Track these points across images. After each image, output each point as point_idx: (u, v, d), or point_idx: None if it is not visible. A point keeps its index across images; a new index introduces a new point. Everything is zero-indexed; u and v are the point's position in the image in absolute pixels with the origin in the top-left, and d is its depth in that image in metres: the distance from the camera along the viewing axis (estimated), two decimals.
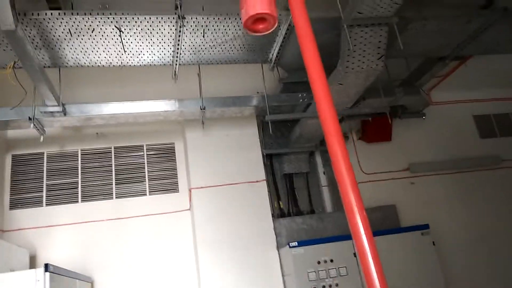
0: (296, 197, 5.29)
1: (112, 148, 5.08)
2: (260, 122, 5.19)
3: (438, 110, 5.94)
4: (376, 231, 4.62)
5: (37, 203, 4.71)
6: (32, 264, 4.28)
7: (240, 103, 4.22)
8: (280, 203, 5.16)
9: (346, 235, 4.60)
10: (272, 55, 3.81)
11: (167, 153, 5.24)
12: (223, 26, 3.38)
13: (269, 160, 5.26)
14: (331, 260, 4.29)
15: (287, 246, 4.30)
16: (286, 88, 4.35)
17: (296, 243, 4.31)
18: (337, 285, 4.20)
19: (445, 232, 5.19)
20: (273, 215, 4.83)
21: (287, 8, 3.26)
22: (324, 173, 5.48)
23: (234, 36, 3.49)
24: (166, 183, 5.11)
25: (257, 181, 4.92)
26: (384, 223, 5.04)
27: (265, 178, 4.97)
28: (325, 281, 4.21)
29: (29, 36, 3.07)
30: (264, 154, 5.08)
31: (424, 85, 5.03)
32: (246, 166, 4.96)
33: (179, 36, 3.33)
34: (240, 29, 3.42)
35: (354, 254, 4.35)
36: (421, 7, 3.62)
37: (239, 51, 3.72)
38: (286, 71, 4.22)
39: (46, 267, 2.98)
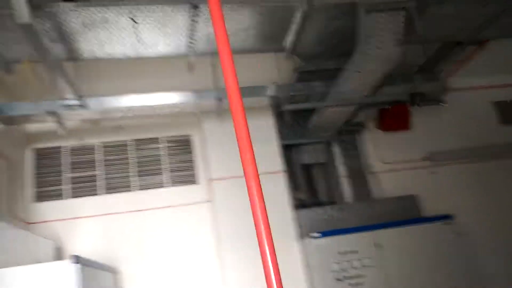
0: (315, 188, 5.26)
1: (131, 141, 5.14)
2: (276, 113, 5.16)
3: (457, 97, 5.77)
4: (396, 222, 4.58)
5: (61, 195, 4.81)
6: (58, 255, 4.38)
7: (256, 93, 4.18)
8: (300, 193, 5.14)
9: (368, 226, 4.56)
10: (287, 43, 3.75)
11: (184, 145, 5.27)
12: (238, 15, 3.35)
13: (287, 151, 5.23)
14: (354, 251, 4.25)
15: (309, 237, 4.27)
16: (302, 77, 4.29)
17: (318, 233, 4.28)
18: (360, 276, 4.15)
19: (467, 222, 5.06)
20: (293, 206, 4.81)
21: None
22: (342, 163, 5.42)
23: (248, 25, 3.45)
24: (184, 175, 5.14)
25: (275, 172, 4.90)
26: (404, 213, 4.96)
27: (283, 169, 4.94)
28: (348, 272, 4.17)
29: (44, 30, 3.10)
30: (281, 144, 5.05)
31: (442, 71, 4.89)
32: (264, 157, 4.93)
33: (193, 26, 3.31)
34: (254, 18, 3.38)
35: (377, 244, 4.31)
36: None
37: (254, 40, 3.69)
38: (302, 60, 4.16)
39: (74, 258, 3.01)
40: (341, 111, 4.34)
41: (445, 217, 4.57)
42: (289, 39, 3.71)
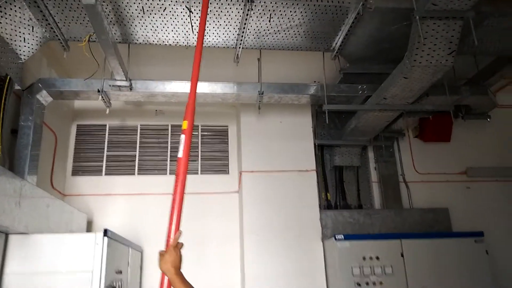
0: (344, 190, 5.24)
1: (169, 125, 5.27)
2: (315, 112, 5.17)
3: (503, 114, 5.61)
4: (425, 233, 4.52)
5: (97, 171, 5.01)
6: (89, 228, 4.56)
7: (298, 90, 4.20)
8: (328, 194, 5.14)
9: (394, 234, 4.52)
10: (336, 44, 3.74)
11: (220, 135, 5.36)
12: (290, 11, 3.36)
13: (320, 151, 5.24)
14: (377, 257, 4.21)
15: (333, 238, 4.28)
16: (345, 79, 4.27)
17: (342, 236, 4.28)
18: (381, 283, 4.13)
19: (497, 241, 4.94)
20: (320, 206, 4.82)
21: None
22: (375, 168, 5.38)
23: (299, 22, 3.46)
24: (217, 164, 5.24)
25: (307, 170, 4.91)
26: (435, 225, 4.89)
27: (315, 168, 4.95)
28: (369, 278, 4.14)
29: (105, 12, 3.22)
30: (316, 144, 5.05)
31: (492, 86, 4.75)
32: (297, 154, 4.96)
33: (246, 19, 3.35)
34: (306, 15, 3.39)
35: (401, 254, 4.26)
36: (500, 2, 3.42)
37: (303, 38, 3.69)
38: (348, 61, 4.14)
39: (105, 232, 3.18)
40: (382, 116, 4.29)
41: (476, 234, 4.47)
42: (338, 40, 3.70)
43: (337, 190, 5.23)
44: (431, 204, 5.16)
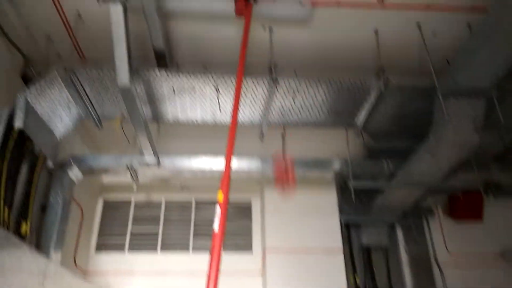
0: (373, 272, 4.96)
1: (193, 200, 5.27)
2: (339, 187, 5.09)
3: None
4: None
5: (120, 248, 4.95)
6: None
7: (322, 166, 4.20)
8: (356, 276, 4.86)
9: None
10: (359, 120, 3.80)
11: (243, 211, 5.30)
12: (313, 91, 3.49)
13: (347, 228, 5.07)
14: None
15: None
16: (370, 154, 4.26)
17: None
18: None
19: None
20: None
21: (379, 75, 3.32)
22: (405, 249, 5.11)
23: (323, 100, 3.57)
24: (241, 241, 5.10)
25: (333, 250, 4.72)
26: None
27: (341, 247, 4.76)
28: None
29: (138, 92, 3.41)
30: (342, 221, 4.91)
31: None
32: (323, 232, 4.82)
33: (271, 98, 3.48)
34: (329, 94, 3.50)
35: None
36: None
37: (326, 115, 3.78)
38: (372, 138, 4.16)
39: None
40: (409, 194, 4.19)
41: None
42: (361, 116, 3.76)
43: (366, 272, 4.96)
44: (466, 285, 4.79)
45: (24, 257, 2.78)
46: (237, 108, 2.62)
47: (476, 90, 2.99)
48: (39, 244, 3.46)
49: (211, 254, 1.80)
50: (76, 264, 4.33)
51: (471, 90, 3.00)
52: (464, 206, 4.99)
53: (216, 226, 1.89)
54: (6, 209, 3.00)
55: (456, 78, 2.93)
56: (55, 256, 3.52)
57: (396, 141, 4.12)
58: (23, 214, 3.27)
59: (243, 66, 2.64)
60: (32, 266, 2.80)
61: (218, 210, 1.96)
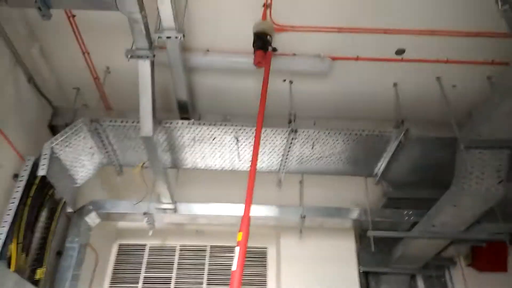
0: None
1: (208, 247, 5.20)
2: (358, 235, 4.98)
3: None
4: None
5: None
6: None
7: (341, 214, 4.15)
8: None
9: None
10: (378, 169, 3.78)
11: (259, 257, 5.19)
12: (332, 140, 3.51)
13: (365, 278, 4.91)
14: None
15: None
16: (389, 203, 4.20)
17: None
18: None
19: None
20: None
21: (398, 126, 3.34)
22: None
23: (341, 149, 3.58)
24: None
25: None
26: None
27: None
28: None
29: (159, 141, 3.47)
30: (361, 271, 4.77)
31: None
32: (341, 281, 4.67)
33: (289, 147, 3.51)
34: (349, 144, 3.51)
35: None
36: None
37: (345, 163, 3.78)
38: (391, 186, 4.12)
39: None
40: (431, 244, 4.08)
41: None
42: (380, 166, 3.75)
43: None
44: None
45: None
46: (256, 158, 2.64)
47: (499, 141, 2.97)
48: None
49: None
50: None
51: (494, 141, 2.98)
52: (488, 257, 4.82)
53: (234, 265, 1.93)
54: (24, 255, 2.99)
55: (478, 130, 2.92)
56: None
57: (416, 190, 4.07)
58: (39, 259, 3.29)
59: (262, 115, 2.68)
60: None
61: (237, 249, 2.01)
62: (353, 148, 3.59)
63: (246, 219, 2.18)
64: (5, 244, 2.83)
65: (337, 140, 3.51)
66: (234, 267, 1.95)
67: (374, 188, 4.11)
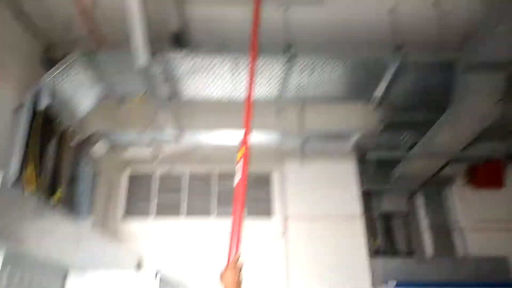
0: (393, 237, 5.09)
1: (215, 172, 5.44)
2: (359, 158, 5.12)
3: None
4: (484, 283, 4.18)
5: (146, 215, 5.23)
6: (138, 267, 4.72)
7: (341, 139, 4.24)
8: (377, 240, 5.00)
9: (449, 282, 4.27)
10: (377, 95, 3.77)
11: (263, 181, 5.44)
12: (330, 67, 3.46)
13: (367, 197, 5.16)
14: None
15: (384, 286, 4.13)
16: (388, 127, 4.26)
17: (395, 283, 4.12)
18: None
19: None
20: (368, 252, 4.69)
21: (399, 47, 3.27)
22: (426, 215, 5.19)
23: (340, 76, 3.55)
24: (261, 209, 5.28)
25: (353, 216, 4.84)
26: (492, 275, 4.57)
27: (361, 214, 4.87)
28: None
29: (157, 73, 3.48)
30: (362, 190, 4.99)
31: None
32: (343, 200, 4.93)
33: (287, 75, 3.49)
34: (346, 70, 3.47)
35: None
36: None
37: (344, 90, 3.76)
38: (390, 111, 4.14)
39: (157, 272, 3.32)
40: (429, 163, 4.20)
41: None
42: (379, 91, 3.73)
43: (386, 238, 5.09)
44: (488, 252, 4.85)
45: (60, 222, 3.04)
46: (252, 86, 2.64)
47: (496, 63, 2.92)
48: (71, 213, 3.69)
49: (235, 200, 2.00)
50: (106, 229, 4.62)
51: (491, 63, 2.92)
52: (485, 174, 4.97)
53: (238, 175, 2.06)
54: (39, 181, 3.16)
55: (475, 52, 2.86)
56: (87, 222, 3.78)
57: (414, 114, 4.08)
58: (54, 187, 3.45)
59: (256, 41, 2.63)
60: (67, 229, 3.12)
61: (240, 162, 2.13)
62: (351, 74, 3.55)
63: (246, 134, 2.25)
64: (20, 171, 2.99)
65: (335, 66, 3.47)
66: (237, 178, 2.07)
67: (373, 113, 4.14)
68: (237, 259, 1.86)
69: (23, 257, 2.65)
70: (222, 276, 1.82)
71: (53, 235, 2.92)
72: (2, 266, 2.44)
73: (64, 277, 3.22)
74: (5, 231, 2.38)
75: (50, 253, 2.86)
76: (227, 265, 1.84)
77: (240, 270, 1.84)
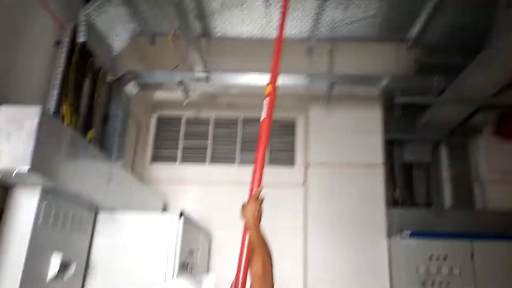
0: (412, 187, 5.11)
1: (240, 118, 5.48)
2: (386, 105, 5.06)
3: None
4: (502, 235, 4.20)
5: (173, 160, 5.36)
6: (164, 210, 4.90)
7: (369, 82, 4.18)
8: (396, 191, 5.04)
9: (465, 233, 4.30)
10: (413, 33, 3.67)
11: (288, 127, 5.47)
12: (365, 2, 3.38)
13: (390, 146, 5.14)
14: (445, 258, 4.08)
15: (399, 235, 4.21)
16: (421, 70, 4.17)
17: (409, 233, 4.18)
18: (447, 284, 4.00)
19: None
20: (386, 202, 4.74)
21: None
22: (448, 166, 5.16)
23: (376, 12, 3.46)
24: (284, 156, 5.35)
25: (374, 165, 4.87)
26: (510, 228, 4.59)
27: (382, 163, 4.88)
28: (435, 278, 4.03)
29: (189, 7, 3.45)
30: (386, 138, 4.98)
31: None
32: (366, 148, 4.93)
33: (321, 10, 3.43)
34: (383, 5, 3.39)
35: (472, 255, 4.09)
36: None
37: (378, 28, 3.68)
38: (424, 52, 4.05)
39: (181, 213, 3.42)
40: (458, 110, 4.14)
41: None
42: (415, 30, 3.63)
43: (405, 188, 5.11)
44: (507, 207, 4.86)
45: (93, 159, 3.15)
46: (284, 21, 2.62)
47: None
48: (102, 152, 3.80)
49: (259, 136, 2.06)
50: (135, 171, 4.77)
51: None
52: None
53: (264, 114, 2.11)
54: (75, 117, 3.24)
55: None
56: (117, 163, 3.89)
57: (450, 56, 3.98)
58: (88, 123, 3.54)
59: None
60: (99, 167, 3.22)
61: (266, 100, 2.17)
62: (388, 10, 3.46)
63: (275, 70, 2.28)
64: (57, 107, 3.08)
65: (371, 2, 3.39)
66: (263, 116, 2.13)
67: (405, 55, 4.05)
68: (259, 193, 1.93)
69: (58, 193, 2.74)
70: (244, 208, 1.91)
71: (87, 172, 3.01)
72: (39, 202, 2.53)
73: (95, 216, 3.37)
74: (42, 166, 2.41)
75: (83, 190, 2.95)
76: (249, 198, 1.91)
77: (261, 203, 1.94)
